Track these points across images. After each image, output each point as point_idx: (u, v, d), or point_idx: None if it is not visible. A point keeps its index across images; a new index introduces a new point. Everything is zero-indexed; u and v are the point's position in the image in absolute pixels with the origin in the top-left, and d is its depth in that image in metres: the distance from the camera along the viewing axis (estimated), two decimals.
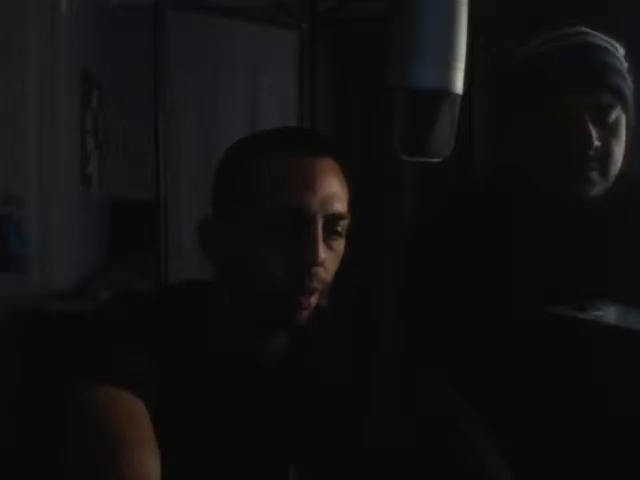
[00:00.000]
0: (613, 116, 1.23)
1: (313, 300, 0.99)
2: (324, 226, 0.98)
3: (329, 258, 0.99)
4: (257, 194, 0.98)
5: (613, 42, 1.28)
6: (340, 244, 1.01)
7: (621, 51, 1.28)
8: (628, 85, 1.26)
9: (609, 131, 1.23)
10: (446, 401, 1.09)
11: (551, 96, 1.23)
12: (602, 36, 1.27)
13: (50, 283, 3.29)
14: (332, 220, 0.99)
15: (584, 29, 1.28)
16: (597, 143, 1.21)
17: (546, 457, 1.23)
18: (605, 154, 1.23)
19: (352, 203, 1.03)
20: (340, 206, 1.00)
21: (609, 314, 1.17)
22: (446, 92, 0.90)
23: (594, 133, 1.21)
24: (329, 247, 0.99)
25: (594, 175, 1.23)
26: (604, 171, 1.24)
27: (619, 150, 1.25)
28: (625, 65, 1.27)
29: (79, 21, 3.66)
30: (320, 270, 0.98)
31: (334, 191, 0.99)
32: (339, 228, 1.00)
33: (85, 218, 3.89)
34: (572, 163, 1.22)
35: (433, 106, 0.90)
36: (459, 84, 0.90)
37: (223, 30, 3.26)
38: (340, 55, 4.09)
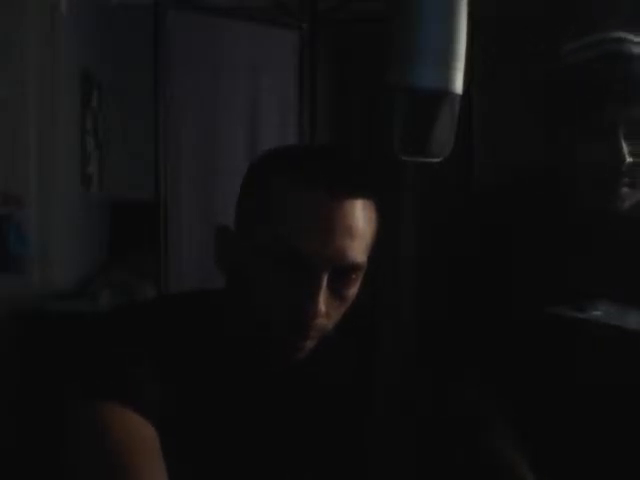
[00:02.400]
0: None
1: (309, 344, 0.93)
2: (333, 275, 0.89)
3: (333, 305, 0.91)
4: (264, 226, 0.90)
5: None
6: (351, 291, 0.93)
7: None
8: None
9: None
10: (475, 401, 1.07)
11: (584, 109, 1.21)
12: (636, 40, 1.25)
13: (50, 283, 3.29)
14: (344, 271, 0.90)
15: (618, 35, 1.25)
16: (630, 159, 1.20)
17: (546, 457, 1.23)
18: (637, 168, 1.21)
19: (376, 242, 0.93)
20: (356, 256, 0.89)
21: (609, 314, 1.17)
22: (446, 92, 0.90)
23: (626, 147, 1.19)
24: (336, 294, 0.91)
25: (625, 190, 1.22)
26: (636, 185, 1.22)
27: None
28: None
29: (79, 21, 3.66)
30: (320, 320, 0.90)
31: (353, 240, 0.88)
32: (352, 277, 0.91)
33: (85, 218, 3.89)
34: (605, 180, 1.21)
35: (433, 106, 0.90)
36: (459, 84, 0.90)
37: (223, 30, 3.26)
38: (340, 55, 4.08)
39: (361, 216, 0.90)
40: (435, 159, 0.94)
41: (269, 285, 0.90)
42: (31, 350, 2.83)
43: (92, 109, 3.93)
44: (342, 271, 0.90)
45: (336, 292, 0.91)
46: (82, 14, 3.70)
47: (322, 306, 0.88)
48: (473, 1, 0.91)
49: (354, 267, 0.90)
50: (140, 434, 0.87)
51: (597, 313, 1.17)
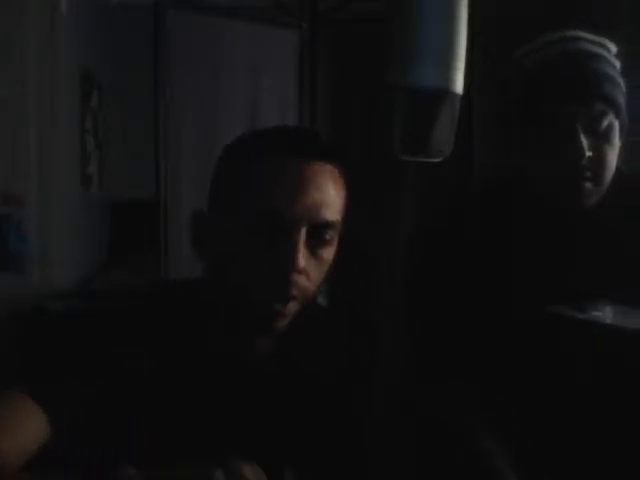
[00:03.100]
0: (605, 123, 1.22)
1: (292, 307, 0.96)
2: (310, 233, 0.95)
3: (312, 266, 0.96)
4: (243, 195, 0.96)
5: (604, 41, 1.27)
6: (328, 252, 0.98)
7: (613, 49, 1.27)
8: (620, 88, 1.25)
9: (602, 139, 1.22)
10: (450, 401, 1.08)
11: (541, 109, 1.22)
12: (593, 38, 1.26)
13: (50, 283, 3.29)
14: (319, 228, 0.95)
15: (573, 34, 1.27)
16: (589, 153, 1.21)
17: (546, 456, 1.23)
18: (598, 162, 1.23)
19: (348, 209, 0.99)
20: (330, 214, 0.96)
21: (608, 314, 1.17)
22: (446, 92, 0.90)
23: (586, 143, 1.20)
24: (314, 255, 0.96)
25: (588, 185, 1.23)
26: (598, 180, 1.24)
27: (612, 155, 1.25)
28: (617, 66, 1.26)
29: (79, 21, 3.66)
30: (300, 278, 0.94)
31: (324, 197, 0.95)
32: (327, 236, 0.96)
33: (85, 218, 3.89)
34: (565, 175, 1.22)
35: (433, 106, 0.90)
36: (459, 84, 0.90)
37: (223, 30, 3.26)
38: (340, 55, 4.08)
39: (330, 178, 0.97)
40: (435, 159, 0.94)
41: (249, 251, 0.95)
42: (31, 350, 2.83)
43: (92, 109, 3.93)
44: (317, 229, 0.95)
45: (313, 251, 0.96)
46: (82, 14, 3.70)
47: (301, 260, 0.93)
48: (473, 1, 0.91)
49: (328, 224, 0.96)
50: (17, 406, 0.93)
51: (597, 313, 1.17)
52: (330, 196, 0.96)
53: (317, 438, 1.02)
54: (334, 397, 1.05)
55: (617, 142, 1.25)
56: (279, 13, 3.52)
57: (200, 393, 0.99)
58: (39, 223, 3.22)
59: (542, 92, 1.23)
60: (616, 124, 1.24)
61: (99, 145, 4.04)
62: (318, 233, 0.96)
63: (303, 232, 0.94)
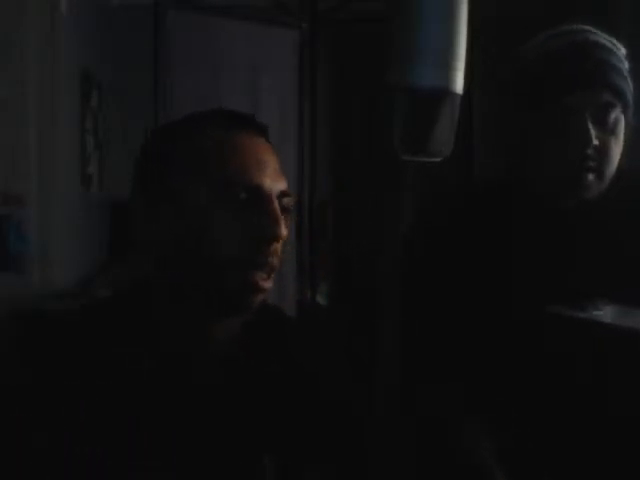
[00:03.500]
0: (613, 116, 1.22)
1: (268, 284, 0.98)
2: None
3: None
4: (208, 167, 0.97)
5: (615, 41, 1.28)
6: (288, 221, 1.02)
7: (623, 51, 1.28)
8: (628, 86, 1.25)
9: (608, 131, 1.23)
10: (438, 400, 1.09)
11: (551, 95, 1.23)
12: (604, 35, 1.27)
13: (50, 283, 3.29)
14: (282, 197, 1.00)
15: (585, 27, 1.28)
16: (596, 142, 1.21)
17: (546, 456, 1.23)
18: (603, 154, 1.22)
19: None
20: (286, 184, 1.01)
21: (608, 314, 1.17)
22: (446, 92, 0.90)
23: (593, 131, 1.21)
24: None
25: (590, 177, 1.23)
26: (601, 172, 1.23)
27: (617, 150, 1.25)
28: (626, 65, 1.27)
29: (79, 21, 3.66)
30: (277, 247, 0.98)
31: (279, 169, 1.01)
32: (286, 205, 1.00)
33: (85, 218, 3.89)
34: (570, 163, 1.22)
35: (433, 106, 0.90)
36: (459, 84, 0.90)
37: (223, 30, 3.26)
38: (340, 55, 4.08)
39: (275, 153, 1.03)
40: (435, 159, 0.94)
41: (223, 223, 0.96)
42: (31, 350, 2.83)
43: (92, 109, 3.93)
44: (281, 198, 1.00)
45: None
46: (82, 14, 3.70)
47: (283, 229, 0.96)
48: (473, 1, 0.91)
49: (288, 193, 1.01)
50: None
51: (597, 313, 1.17)
52: (280, 168, 1.02)
53: (295, 427, 1.01)
54: (331, 396, 1.05)
55: (622, 138, 1.25)
56: (279, 13, 3.52)
57: (162, 394, 0.96)
58: (39, 223, 3.22)
59: (549, 82, 1.23)
60: (622, 119, 1.24)
61: (99, 145, 4.04)
62: (281, 203, 1.00)
63: (277, 202, 0.98)
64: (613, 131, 1.23)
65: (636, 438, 1.22)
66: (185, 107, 3.19)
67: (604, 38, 1.26)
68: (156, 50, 3.00)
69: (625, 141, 1.27)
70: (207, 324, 1.00)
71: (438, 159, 0.94)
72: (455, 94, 0.90)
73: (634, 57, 1.29)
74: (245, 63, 3.31)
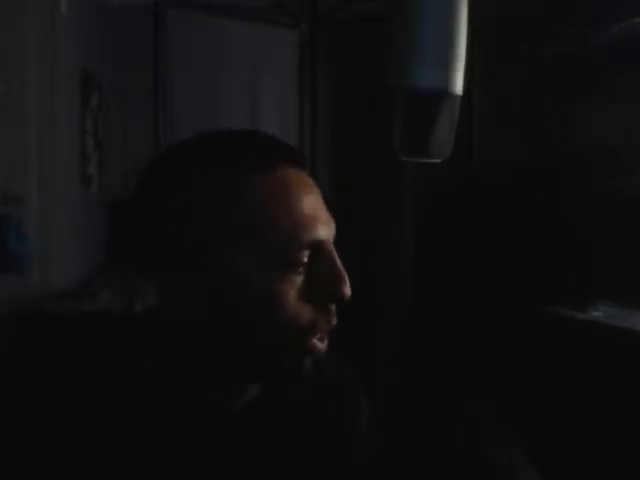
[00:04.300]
0: None
1: (324, 345, 0.81)
2: None
3: None
4: (257, 226, 0.76)
5: None
6: None
7: None
8: None
9: None
10: (468, 399, 1.03)
11: (611, 79, 1.20)
12: None
13: (50, 283, 3.29)
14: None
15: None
16: None
17: (546, 456, 1.23)
18: None
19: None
20: (334, 226, 0.83)
21: (608, 314, 1.17)
22: (446, 92, 0.90)
23: None
24: None
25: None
26: None
27: None
28: None
29: (79, 21, 3.66)
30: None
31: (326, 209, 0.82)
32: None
33: (85, 218, 3.89)
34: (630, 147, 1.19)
35: (433, 106, 0.90)
36: (459, 84, 0.90)
37: (223, 30, 3.26)
38: (340, 55, 4.08)
39: None
40: (435, 159, 0.94)
41: (283, 288, 0.76)
42: (31, 350, 2.83)
43: (92, 109, 3.93)
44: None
45: None
46: (82, 14, 3.70)
47: (349, 288, 0.79)
48: (473, 1, 0.91)
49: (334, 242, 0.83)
50: None
51: (597, 313, 1.17)
52: None
53: None
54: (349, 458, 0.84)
55: None
56: (279, 13, 3.51)
57: (165, 461, 0.80)
58: (39, 223, 3.22)
59: (612, 63, 1.22)
60: None
61: (99, 145, 4.04)
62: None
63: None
64: None
65: (636, 438, 1.22)
66: (185, 107, 3.19)
67: None
68: (156, 50, 3.00)
69: None
70: (229, 389, 0.83)
71: (438, 159, 0.94)
72: (455, 94, 0.90)
73: None
74: (245, 63, 3.31)
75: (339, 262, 0.80)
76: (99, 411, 0.82)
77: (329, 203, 0.83)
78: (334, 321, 0.81)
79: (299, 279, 0.77)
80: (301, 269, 0.77)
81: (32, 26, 3.19)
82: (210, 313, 0.78)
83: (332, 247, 0.80)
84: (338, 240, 0.92)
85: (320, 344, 0.80)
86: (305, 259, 0.77)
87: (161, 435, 0.81)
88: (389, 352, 1.12)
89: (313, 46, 3.41)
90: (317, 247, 0.78)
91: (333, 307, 0.80)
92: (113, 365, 0.85)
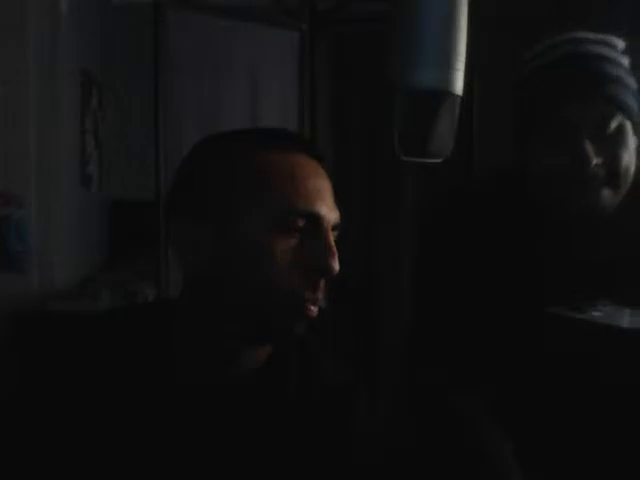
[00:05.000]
0: (613, 125, 1.18)
1: (316, 311, 0.91)
2: None
3: None
4: (270, 192, 0.89)
5: (610, 39, 1.24)
6: None
7: (620, 46, 1.24)
8: (628, 88, 1.22)
9: (612, 142, 1.19)
10: (458, 400, 1.05)
11: (546, 112, 1.20)
12: (597, 38, 1.23)
13: (50, 283, 3.30)
14: (333, 230, 0.93)
15: (576, 35, 1.24)
16: (596, 160, 1.17)
17: (546, 456, 1.23)
18: (613, 167, 1.19)
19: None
20: (339, 215, 0.94)
21: (608, 314, 1.17)
22: (446, 92, 0.90)
23: (591, 150, 1.17)
24: None
25: (606, 192, 1.19)
26: (615, 184, 1.20)
27: (628, 157, 1.20)
28: (625, 63, 1.24)
29: (79, 21, 3.66)
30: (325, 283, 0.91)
31: (333, 199, 0.94)
32: (335, 238, 0.93)
33: (85, 218, 3.90)
34: (574, 184, 1.19)
35: (433, 106, 0.90)
36: (459, 84, 0.90)
37: (223, 30, 3.26)
38: (340, 55, 4.08)
39: None
40: (435, 159, 0.94)
41: (279, 250, 0.88)
42: (31, 350, 2.83)
43: (92, 109, 3.93)
44: (332, 231, 0.94)
45: None
46: (82, 14, 3.70)
47: (337, 263, 0.90)
48: (473, 1, 0.91)
49: (336, 233, 0.94)
50: None
51: (597, 313, 1.17)
52: None
53: (321, 469, 0.92)
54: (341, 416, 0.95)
55: (631, 143, 1.21)
56: (279, 13, 3.51)
57: (180, 426, 0.91)
58: (39, 223, 3.23)
59: (544, 96, 1.21)
60: (628, 125, 1.20)
61: (99, 145, 4.04)
62: (334, 235, 0.94)
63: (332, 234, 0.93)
64: (618, 141, 1.19)
65: (635, 437, 1.22)
66: (185, 107, 3.20)
67: (597, 43, 1.23)
68: (156, 50, 3.00)
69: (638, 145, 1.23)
70: (237, 352, 0.93)
71: (438, 159, 0.94)
72: (455, 94, 0.90)
73: (635, 57, 1.26)
74: (245, 63, 3.31)
75: (332, 240, 0.91)
76: (113, 386, 0.91)
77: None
78: (320, 296, 0.91)
79: (293, 242, 0.89)
80: (297, 234, 0.89)
81: (32, 26, 3.20)
82: (221, 263, 0.90)
83: (329, 227, 0.91)
84: (338, 240, 0.94)
85: (309, 310, 0.90)
86: (301, 224, 0.89)
87: (177, 403, 0.91)
88: (389, 352, 1.12)
89: (313, 46, 3.41)
90: (315, 219, 0.90)
91: (322, 282, 0.90)
92: (124, 346, 0.94)
